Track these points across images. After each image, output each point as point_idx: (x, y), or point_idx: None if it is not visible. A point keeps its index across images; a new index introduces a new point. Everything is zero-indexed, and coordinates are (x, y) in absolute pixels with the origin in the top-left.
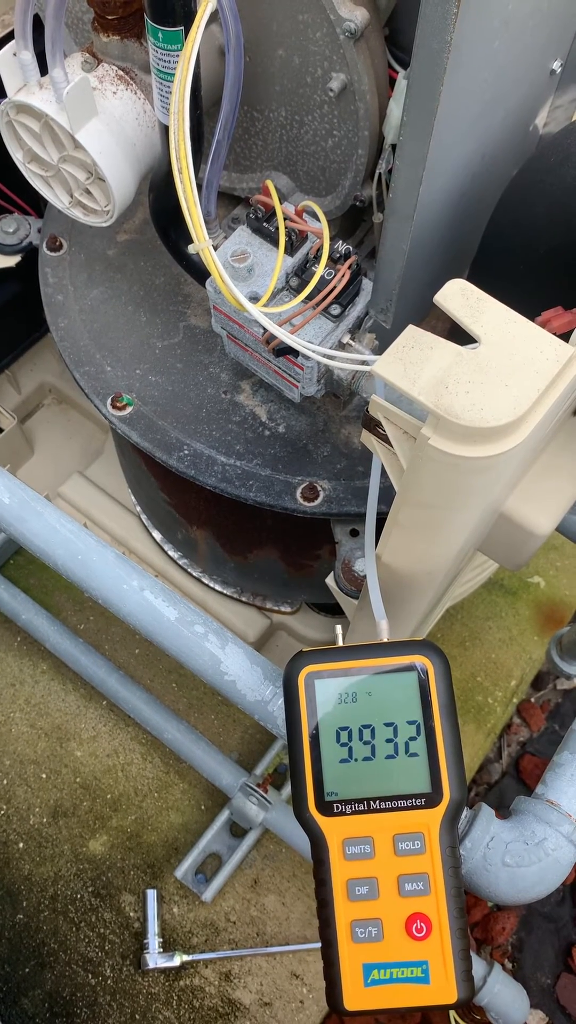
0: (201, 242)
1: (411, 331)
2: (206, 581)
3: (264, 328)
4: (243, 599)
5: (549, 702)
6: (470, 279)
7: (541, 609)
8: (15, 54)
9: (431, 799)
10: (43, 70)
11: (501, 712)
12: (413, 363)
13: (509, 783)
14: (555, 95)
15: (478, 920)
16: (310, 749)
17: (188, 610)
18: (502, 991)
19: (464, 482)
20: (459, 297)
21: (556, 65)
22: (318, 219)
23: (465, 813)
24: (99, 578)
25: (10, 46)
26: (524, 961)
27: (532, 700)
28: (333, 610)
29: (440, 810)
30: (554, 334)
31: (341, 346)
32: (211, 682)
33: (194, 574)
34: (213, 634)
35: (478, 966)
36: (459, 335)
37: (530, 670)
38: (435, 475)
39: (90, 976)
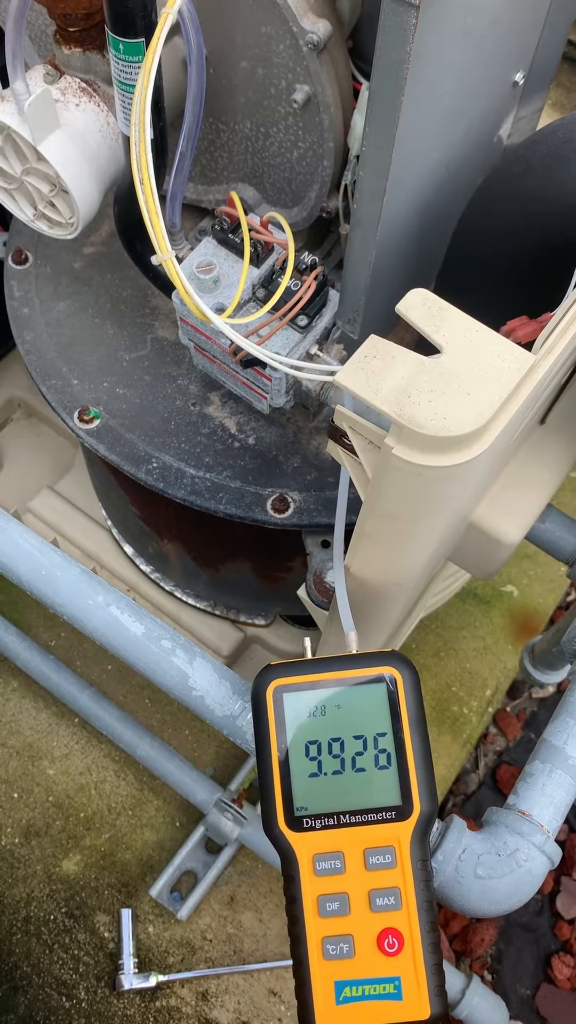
0: (164, 253)
1: (373, 341)
2: (179, 595)
3: (231, 340)
4: (216, 612)
5: (525, 711)
6: (437, 288)
7: (515, 618)
8: None
9: (401, 812)
10: (4, 83)
11: (477, 722)
12: (375, 373)
13: (486, 793)
14: (518, 106)
15: (457, 932)
16: (279, 764)
17: (155, 625)
18: (480, 1003)
19: (429, 491)
20: (421, 307)
21: (519, 77)
22: (284, 230)
23: (437, 825)
24: (64, 594)
25: None
26: (504, 972)
27: (508, 709)
28: (307, 622)
29: (411, 823)
30: (519, 343)
31: (309, 357)
32: (179, 697)
33: (167, 588)
34: (180, 649)
35: (456, 979)
36: (427, 345)
37: (505, 679)
38: (400, 485)
39: (64, 999)
